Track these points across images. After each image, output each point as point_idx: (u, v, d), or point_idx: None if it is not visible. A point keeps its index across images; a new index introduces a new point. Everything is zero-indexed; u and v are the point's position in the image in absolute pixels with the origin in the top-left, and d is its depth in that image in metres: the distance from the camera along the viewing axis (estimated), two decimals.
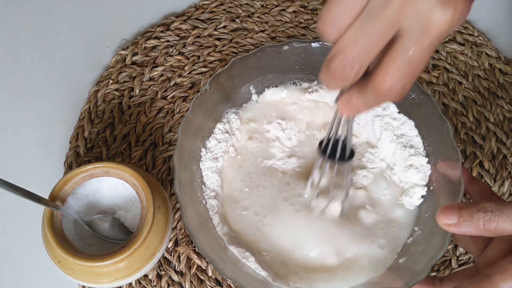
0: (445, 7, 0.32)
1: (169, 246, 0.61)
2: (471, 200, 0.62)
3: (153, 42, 0.72)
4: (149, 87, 0.69)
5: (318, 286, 0.52)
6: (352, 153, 0.47)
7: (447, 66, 0.70)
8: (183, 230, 0.61)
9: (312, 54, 0.59)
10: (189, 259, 0.60)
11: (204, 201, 0.55)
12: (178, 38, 0.73)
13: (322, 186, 0.53)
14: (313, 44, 0.58)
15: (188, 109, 0.55)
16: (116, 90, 0.69)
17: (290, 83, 0.62)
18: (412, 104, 0.57)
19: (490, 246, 0.44)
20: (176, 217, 0.62)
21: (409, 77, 0.34)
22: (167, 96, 0.69)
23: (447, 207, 0.42)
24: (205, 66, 0.71)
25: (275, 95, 0.62)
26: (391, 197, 0.56)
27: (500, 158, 0.65)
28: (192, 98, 0.67)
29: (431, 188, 0.54)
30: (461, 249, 0.60)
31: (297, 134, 0.60)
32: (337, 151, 0.47)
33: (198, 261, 0.60)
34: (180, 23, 0.74)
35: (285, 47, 0.58)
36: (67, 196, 0.53)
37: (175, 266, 0.60)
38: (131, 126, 0.67)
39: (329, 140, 0.47)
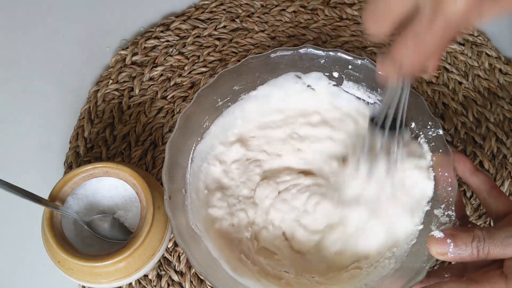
0: None
1: (169, 246, 0.61)
2: (466, 193, 0.62)
3: (153, 42, 0.72)
4: (149, 87, 0.69)
5: None
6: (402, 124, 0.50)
7: (447, 66, 0.70)
8: None
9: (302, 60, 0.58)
10: None
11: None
12: (178, 38, 0.73)
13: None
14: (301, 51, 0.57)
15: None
16: (116, 90, 0.69)
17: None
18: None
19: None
20: None
21: (418, 54, 0.36)
22: (167, 96, 0.69)
23: (439, 238, 0.43)
24: (205, 66, 0.71)
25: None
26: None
27: (500, 158, 0.65)
28: (192, 98, 0.67)
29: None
30: None
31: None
32: (387, 123, 0.49)
33: None
34: (180, 23, 0.74)
35: (272, 55, 0.57)
36: (67, 196, 0.53)
37: (175, 266, 0.60)
38: (131, 126, 0.67)
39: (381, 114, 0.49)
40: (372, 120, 0.51)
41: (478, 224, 0.62)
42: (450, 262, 0.59)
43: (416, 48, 0.35)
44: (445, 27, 0.33)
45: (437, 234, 0.43)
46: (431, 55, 0.36)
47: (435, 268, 0.59)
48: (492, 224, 0.61)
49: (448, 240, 0.42)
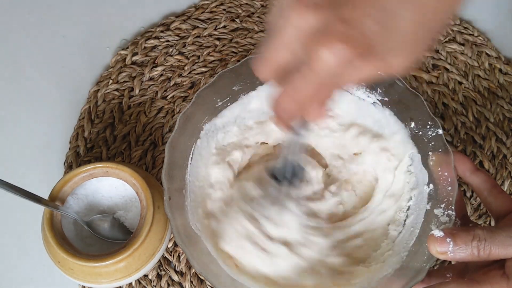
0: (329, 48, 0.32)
1: (169, 246, 0.61)
2: (466, 193, 0.62)
3: (153, 42, 0.72)
4: (149, 87, 0.69)
5: None
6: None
7: (447, 66, 0.70)
8: None
9: None
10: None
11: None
12: (178, 38, 0.73)
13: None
14: None
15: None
16: (116, 90, 0.69)
17: None
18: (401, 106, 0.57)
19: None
20: None
21: (290, 103, 0.36)
22: (167, 96, 0.69)
23: (439, 237, 0.43)
24: (205, 66, 0.71)
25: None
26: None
27: (500, 157, 0.65)
28: (191, 99, 0.67)
29: (429, 189, 0.54)
30: None
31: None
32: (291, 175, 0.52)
33: None
34: (180, 23, 0.74)
35: None
36: (67, 196, 0.53)
37: (175, 266, 0.61)
38: (131, 126, 0.67)
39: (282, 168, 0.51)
40: (272, 175, 0.53)
41: (478, 224, 0.62)
42: (450, 262, 0.59)
43: (289, 98, 0.36)
44: (316, 80, 0.33)
45: (437, 233, 0.43)
46: (305, 105, 0.36)
47: (435, 268, 0.59)
48: (492, 224, 0.61)
49: (448, 239, 0.42)
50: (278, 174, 0.52)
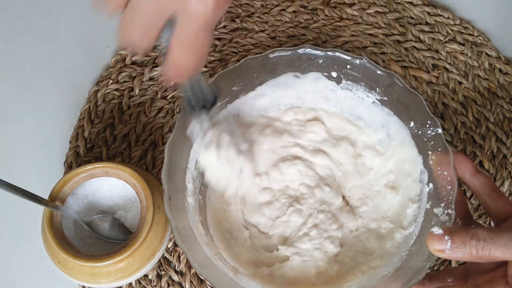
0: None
1: (169, 246, 0.61)
2: (466, 193, 0.62)
3: None
4: (149, 87, 0.69)
5: None
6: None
7: (447, 66, 0.70)
8: None
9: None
10: None
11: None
12: None
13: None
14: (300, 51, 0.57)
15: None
16: (116, 90, 0.69)
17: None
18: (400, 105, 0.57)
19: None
20: None
21: (191, 54, 0.40)
22: (167, 96, 0.69)
23: (437, 235, 0.42)
24: (205, 66, 0.71)
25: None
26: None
27: (500, 157, 0.65)
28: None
29: (429, 188, 0.54)
30: None
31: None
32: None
33: None
34: None
35: (271, 56, 0.56)
36: (67, 196, 0.53)
37: (175, 266, 0.61)
38: (131, 126, 0.67)
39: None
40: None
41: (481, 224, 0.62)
42: (450, 262, 0.59)
43: (188, 49, 0.39)
44: (203, 28, 0.38)
45: (436, 230, 0.43)
46: (205, 52, 0.40)
47: (435, 268, 0.59)
48: (492, 225, 0.61)
49: (446, 237, 0.42)
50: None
